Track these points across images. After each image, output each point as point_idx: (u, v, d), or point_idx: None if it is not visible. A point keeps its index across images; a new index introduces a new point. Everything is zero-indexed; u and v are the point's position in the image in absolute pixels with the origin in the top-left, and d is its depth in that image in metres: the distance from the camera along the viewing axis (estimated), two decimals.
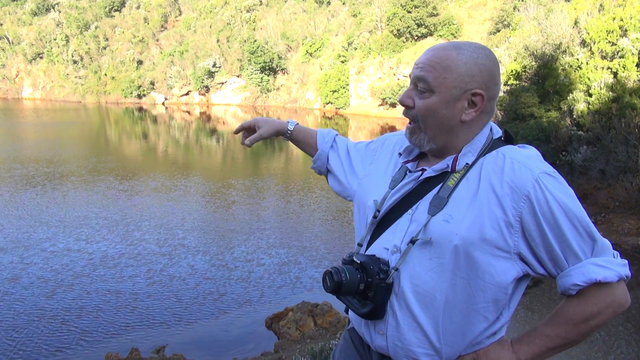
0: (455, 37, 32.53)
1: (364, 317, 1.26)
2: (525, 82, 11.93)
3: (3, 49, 47.16)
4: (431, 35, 32.77)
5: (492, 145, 1.22)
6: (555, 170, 1.17)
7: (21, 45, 46.62)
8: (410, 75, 1.26)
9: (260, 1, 44.17)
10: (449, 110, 1.19)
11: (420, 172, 1.27)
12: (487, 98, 1.19)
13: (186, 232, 9.69)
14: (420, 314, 1.19)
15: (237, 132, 1.65)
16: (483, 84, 1.18)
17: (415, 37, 32.91)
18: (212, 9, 45.11)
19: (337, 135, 1.62)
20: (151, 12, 46.83)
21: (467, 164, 1.20)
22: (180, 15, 47.54)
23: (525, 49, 12.43)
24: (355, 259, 1.23)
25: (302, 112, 36.11)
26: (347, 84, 34.28)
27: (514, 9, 27.63)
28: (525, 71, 11.96)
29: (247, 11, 43.28)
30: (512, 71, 12.09)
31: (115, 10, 48.26)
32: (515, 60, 12.81)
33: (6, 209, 10.96)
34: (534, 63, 11.76)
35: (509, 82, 12.11)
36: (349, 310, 1.31)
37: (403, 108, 1.26)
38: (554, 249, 1.12)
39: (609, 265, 1.10)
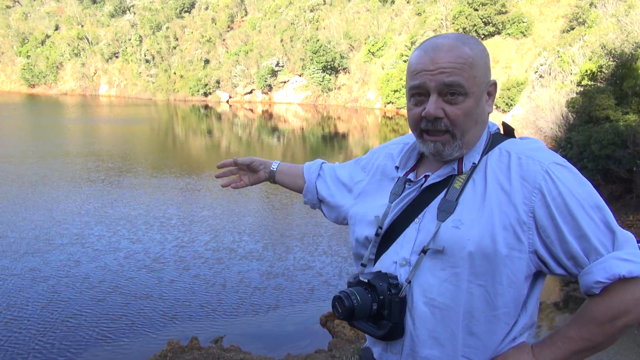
0: (525, 35, 31.24)
1: (384, 339, 1.15)
2: (601, 83, 11.25)
3: (83, 49, 50.34)
4: (499, 33, 31.66)
5: (492, 141, 1.17)
6: (566, 160, 1.11)
7: (99, 45, 49.57)
8: (418, 86, 1.13)
9: (324, 1, 44.42)
10: (480, 108, 1.15)
11: (423, 179, 1.20)
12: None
13: (244, 230, 9.93)
14: (436, 329, 1.10)
15: (219, 166, 1.59)
16: (490, 73, 1.18)
17: (482, 36, 31.90)
18: (277, 9, 45.90)
19: (323, 163, 1.56)
20: (219, 13, 48.33)
21: (473, 163, 1.14)
22: (246, 15, 48.74)
23: (602, 48, 11.74)
24: (362, 279, 1.14)
25: (362, 112, 35.99)
26: None
27: (590, 5, 26.14)
28: (601, 71, 11.29)
29: (311, 11, 43.67)
30: (586, 71, 11.45)
31: (186, 12, 50.21)
32: (590, 59, 12.13)
33: (68, 204, 11.44)
34: (611, 62, 11.08)
35: (582, 83, 11.49)
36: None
37: (424, 121, 1.14)
38: (571, 245, 1.03)
39: (634, 259, 0.99)
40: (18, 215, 10.33)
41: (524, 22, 31.28)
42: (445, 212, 1.11)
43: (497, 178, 1.10)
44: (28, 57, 51.43)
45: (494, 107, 1.21)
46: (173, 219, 10.27)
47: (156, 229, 9.63)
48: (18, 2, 58.20)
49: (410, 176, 1.23)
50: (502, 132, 1.22)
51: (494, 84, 1.18)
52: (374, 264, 1.22)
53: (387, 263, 1.17)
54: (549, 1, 32.47)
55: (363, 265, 1.24)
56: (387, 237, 1.19)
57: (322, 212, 1.54)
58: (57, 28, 53.36)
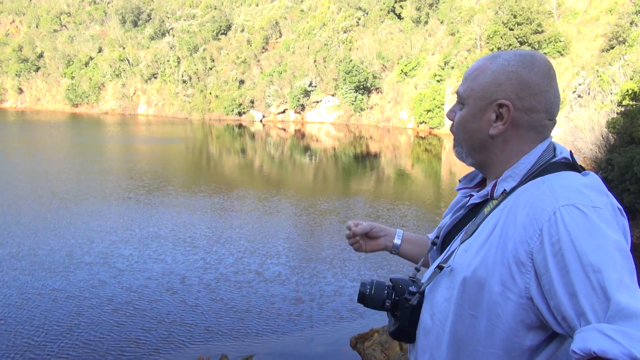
0: (562, 54, 30.69)
1: (392, 336, 1.25)
2: None
3: (124, 70, 52.26)
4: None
5: (545, 169, 1.04)
6: (607, 206, 0.94)
7: (139, 67, 51.36)
8: None
9: (357, 22, 44.90)
10: (476, 123, 1.10)
11: (469, 198, 1.20)
12: (520, 109, 1.05)
13: (274, 249, 9.93)
14: (433, 344, 1.12)
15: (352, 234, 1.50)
16: (512, 94, 1.05)
17: None
18: (311, 31, 46.64)
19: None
20: (254, 35, 49.46)
21: (504, 190, 1.06)
22: (280, 37, 49.69)
23: None
24: (390, 277, 1.26)
25: (394, 132, 35.89)
26: (442, 104, 33.56)
27: (631, 24, 25.53)
28: None
29: (344, 32, 44.18)
30: (627, 90, 11.12)
31: (222, 34, 51.59)
32: (631, 78, 11.79)
33: (97, 222, 11.65)
34: None
35: (623, 103, 11.15)
36: None
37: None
38: (561, 302, 0.88)
39: (619, 338, 0.78)
40: (48, 232, 10.52)
41: (561, 42, 30.76)
42: (467, 234, 1.10)
43: (516, 208, 1.00)
44: (72, 78, 53.73)
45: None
46: (200, 239, 10.24)
47: (182, 250, 9.55)
48: (65, 26, 61.11)
49: (461, 193, 1.25)
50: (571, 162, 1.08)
51: (505, 106, 1.06)
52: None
53: (429, 271, 1.21)
54: (587, 20, 31.88)
55: (417, 269, 1.31)
56: (442, 247, 1.24)
57: None
58: (100, 50, 55.66)
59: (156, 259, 8.98)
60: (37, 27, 61.00)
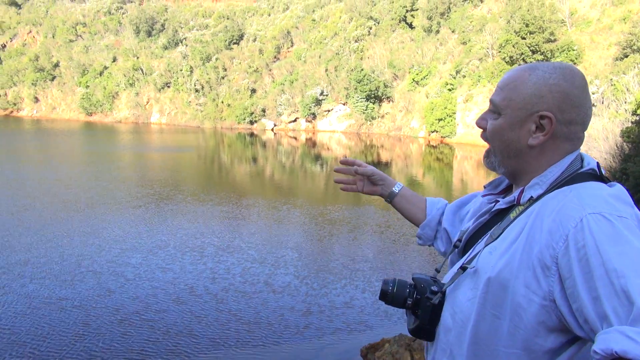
0: (575, 63, 30.40)
1: (411, 334, 1.26)
2: None
3: (137, 79, 52.86)
4: (547, 61, 30.95)
5: (572, 178, 1.09)
6: (632, 217, 0.97)
7: (152, 76, 51.92)
8: None
9: (369, 31, 45.01)
10: (514, 133, 1.13)
11: (494, 203, 1.23)
12: (560, 121, 1.09)
13: (283, 259, 9.89)
14: (453, 343, 1.15)
15: (342, 162, 1.61)
16: (554, 106, 1.09)
17: None
18: (322, 40, 46.83)
19: (447, 203, 1.60)
20: (266, 44, 49.79)
21: (531, 197, 1.11)
22: (292, 46, 49.95)
23: None
24: (413, 276, 1.28)
25: (405, 140, 35.77)
26: (454, 112, 33.43)
27: None
28: None
29: (356, 41, 44.30)
30: None
31: (234, 43, 52.01)
32: None
33: (105, 230, 11.69)
34: None
35: (637, 112, 10.99)
36: None
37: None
38: (584, 304, 0.92)
39: None
40: (58, 239, 10.55)
41: (574, 50, 30.51)
42: (491, 237, 1.14)
43: (543, 214, 1.04)
44: (87, 87, 54.47)
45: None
46: (209, 248, 10.19)
47: (191, 259, 9.50)
48: (80, 36, 62.08)
49: (487, 199, 1.29)
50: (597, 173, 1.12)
51: (547, 118, 1.09)
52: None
53: (450, 272, 1.26)
54: (600, 29, 31.61)
55: (436, 270, 1.34)
56: (463, 250, 1.28)
57: (436, 248, 1.58)
58: (114, 60, 56.40)
59: (164, 268, 8.97)
60: (53, 37, 62.05)
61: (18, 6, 70.33)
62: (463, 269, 1.15)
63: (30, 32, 64.75)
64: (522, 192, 1.14)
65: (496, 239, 1.12)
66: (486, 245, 1.13)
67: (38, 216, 12.52)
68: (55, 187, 16.40)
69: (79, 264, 9.05)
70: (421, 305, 1.22)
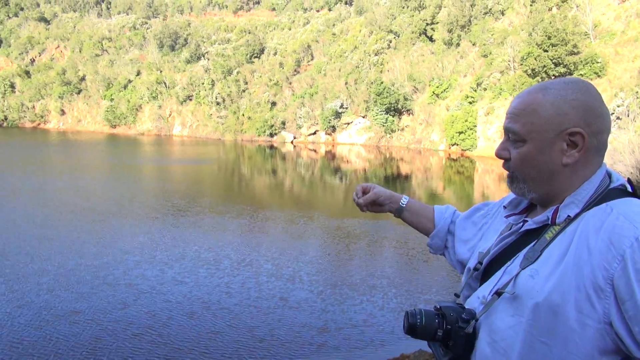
0: (599, 76, 29.90)
1: None
2: None
3: (161, 92, 53.81)
4: (570, 74, 30.51)
5: (605, 195, 1.07)
6: None
7: (175, 89, 52.81)
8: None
9: (388, 45, 45.08)
10: (545, 156, 1.10)
11: (522, 223, 1.19)
12: (590, 134, 1.07)
13: (299, 273, 9.81)
14: None
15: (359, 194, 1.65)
16: (580, 121, 1.07)
17: (553, 77, 30.89)
18: (342, 54, 47.06)
19: (455, 210, 1.60)
20: (286, 58, 50.25)
21: (568, 216, 1.07)
22: (312, 59, 50.31)
23: None
24: (437, 305, 1.20)
25: (425, 153, 35.51)
26: (475, 125, 33.09)
27: None
28: None
29: (375, 54, 44.39)
30: None
31: (255, 57, 52.64)
32: None
33: (122, 241, 11.71)
34: None
35: None
36: None
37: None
38: None
39: None
40: (75, 250, 10.62)
41: (598, 63, 29.99)
42: (528, 260, 1.09)
43: (587, 234, 1.01)
44: (111, 100, 55.66)
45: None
46: (224, 261, 10.13)
47: (206, 272, 9.43)
48: (106, 50, 63.61)
49: (512, 219, 1.25)
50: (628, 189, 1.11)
51: (578, 134, 1.07)
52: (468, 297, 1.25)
53: (474, 299, 1.20)
54: (625, 41, 31.05)
55: (456, 295, 1.27)
56: (485, 274, 1.22)
57: (446, 258, 1.57)
58: (138, 73, 57.57)
59: (180, 282, 8.94)
60: (80, 51, 63.72)
61: (47, 22, 72.57)
62: (498, 294, 1.10)
63: (58, 47, 66.66)
64: (556, 211, 1.10)
65: (534, 261, 1.07)
66: (523, 268, 1.08)
67: (57, 226, 12.72)
68: (75, 198, 16.67)
69: (96, 275, 9.09)
70: (453, 335, 1.15)
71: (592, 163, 1.10)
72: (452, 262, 1.54)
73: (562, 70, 30.37)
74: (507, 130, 1.15)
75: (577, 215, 1.06)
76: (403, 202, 1.61)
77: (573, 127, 1.07)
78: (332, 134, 42.31)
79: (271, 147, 41.07)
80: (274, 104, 46.20)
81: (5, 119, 59.53)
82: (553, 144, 1.09)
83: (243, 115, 46.89)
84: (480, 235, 1.41)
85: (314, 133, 43.04)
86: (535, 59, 30.73)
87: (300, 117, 43.19)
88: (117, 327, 7.05)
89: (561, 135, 1.08)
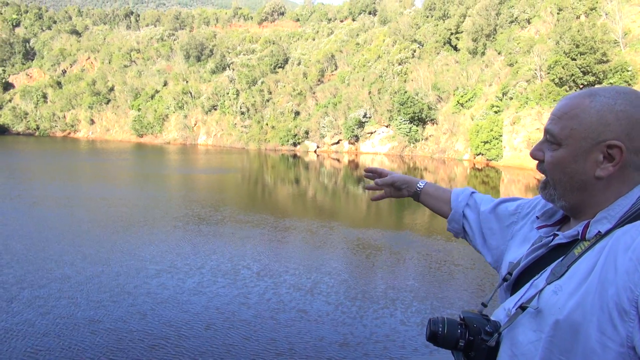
0: (629, 84, 29.05)
1: None
2: None
3: (187, 102, 54.70)
4: (599, 83, 29.75)
5: None
6: None
7: (200, 99, 53.61)
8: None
9: (412, 54, 44.86)
10: (579, 165, 1.06)
11: (552, 237, 1.15)
12: (630, 150, 1.01)
13: (319, 285, 9.70)
14: None
15: (366, 170, 1.71)
16: (622, 134, 1.01)
17: (581, 86, 30.17)
18: (366, 63, 47.04)
19: (473, 192, 1.57)
20: (310, 68, 50.51)
21: (599, 232, 1.02)
22: (336, 69, 50.43)
23: None
24: (461, 315, 1.19)
25: (450, 163, 35.04)
26: (500, 135, 32.52)
27: None
28: None
29: (399, 64, 44.22)
30: None
31: (279, 67, 53.08)
32: None
33: (143, 250, 11.78)
34: None
35: None
36: None
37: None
38: None
39: None
40: (96, 258, 10.71)
41: (628, 71, 29.19)
42: (554, 275, 1.06)
43: (615, 252, 0.96)
44: (139, 109, 56.85)
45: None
46: (244, 272, 10.07)
47: (225, 282, 9.39)
48: (134, 61, 65.09)
49: (543, 232, 1.21)
50: None
51: (616, 147, 1.01)
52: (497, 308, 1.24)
53: (501, 310, 1.18)
54: None
55: (483, 305, 1.25)
56: (515, 284, 1.20)
57: (467, 240, 1.56)
58: (165, 84, 58.70)
59: (199, 292, 8.91)
60: (109, 63, 65.38)
61: (78, 34, 74.81)
62: (522, 308, 1.07)
63: (89, 58, 68.55)
64: (587, 226, 1.06)
65: (560, 277, 1.04)
66: (548, 283, 1.05)
67: (81, 233, 12.91)
68: (99, 206, 16.94)
69: (116, 283, 9.16)
70: (475, 347, 1.13)
71: (630, 180, 1.04)
72: (474, 247, 1.53)
73: (591, 79, 29.65)
74: (546, 131, 1.12)
75: (608, 232, 1.01)
76: (420, 186, 1.63)
77: (613, 139, 1.01)
78: (355, 143, 42.21)
79: (294, 156, 41.18)
80: (297, 113, 46.40)
81: (37, 128, 61.40)
82: (588, 154, 1.04)
83: (267, 124, 47.23)
84: (507, 234, 1.38)
85: (337, 142, 43.01)
86: (562, 67, 30.09)
87: (323, 127, 43.25)
88: (135, 337, 7.04)
89: (599, 146, 1.03)
